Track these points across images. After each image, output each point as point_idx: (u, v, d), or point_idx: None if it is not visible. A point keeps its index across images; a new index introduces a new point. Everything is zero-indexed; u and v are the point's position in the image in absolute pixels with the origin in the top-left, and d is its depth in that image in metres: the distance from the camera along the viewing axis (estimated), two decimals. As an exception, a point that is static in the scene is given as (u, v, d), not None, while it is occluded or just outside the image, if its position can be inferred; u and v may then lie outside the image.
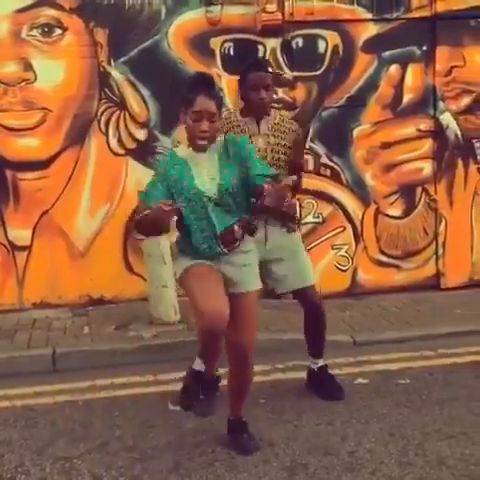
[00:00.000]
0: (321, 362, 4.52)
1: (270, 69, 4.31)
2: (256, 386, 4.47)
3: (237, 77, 6.38)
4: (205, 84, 3.46)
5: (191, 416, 4.02)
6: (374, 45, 6.67)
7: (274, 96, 6.35)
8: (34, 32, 6.21)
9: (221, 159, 3.49)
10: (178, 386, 4.64)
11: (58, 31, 6.24)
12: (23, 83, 6.20)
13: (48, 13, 6.23)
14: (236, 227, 3.49)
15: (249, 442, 3.75)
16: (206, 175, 3.45)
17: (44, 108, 6.25)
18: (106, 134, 6.38)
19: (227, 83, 6.40)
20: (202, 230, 3.47)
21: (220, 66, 6.46)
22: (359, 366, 5.06)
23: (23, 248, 6.38)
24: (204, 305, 3.34)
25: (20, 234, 6.36)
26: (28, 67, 6.20)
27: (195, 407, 3.69)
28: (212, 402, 3.71)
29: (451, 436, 3.83)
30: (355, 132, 6.71)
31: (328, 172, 6.73)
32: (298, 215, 4.49)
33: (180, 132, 5.33)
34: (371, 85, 6.70)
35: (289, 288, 4.39)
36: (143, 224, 3.34)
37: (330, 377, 4.53)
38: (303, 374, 4.75)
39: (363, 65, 6.67)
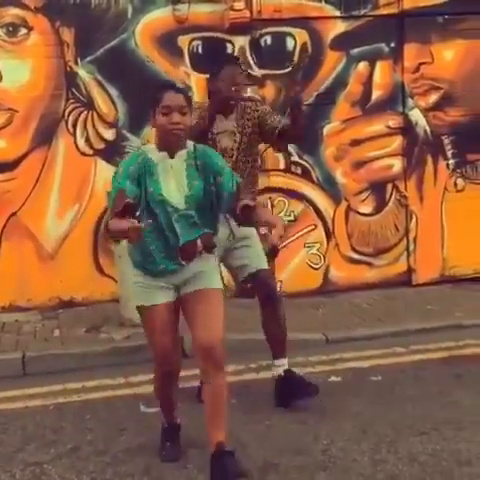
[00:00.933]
0: (286, 363, 4.29)
1: (243, 67, 4.37)
2: (228, 386, 4.47)
3: (206, 75, 6.43)
4: (171, 84, 3.46)
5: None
6: (342, 42, 6.68)
7: (244, 94, 6.49)
8: (-1, 32, 6.13)
9: (189, 169, 3.36)
10: (149, 388, 4.62)
11: (23, 30, 6.17)
12: (-12, 84, 6.12)
13: (13, 12, 6.17)
14: (199, 241, 3.37)
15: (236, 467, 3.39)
16: (174, 184, 3.33)
17: (10, 109, 6.19)
18: (74, 134, 6.33)
19: (196, 81, 6.39)
20: (161, 246, 3.34)
21: (188, 64, 6.43)
22: (332, 364, 5.07)
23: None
24: (159, 351, 3.48)
25: (-12, 236, 6.28)
26: (-6, 67, 6.12)
27: (163, 454, 3.67)
28: (178, 446, 3.73)
29: (423, 432, 3.83)
30: (325, 130, 6.72)
31: (299, 170, 6.73)
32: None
33: (150, 132, 5.29)
34: (340, 82, 6.72)
35: (250, 271, 4.23)
36: (111, 231, 3.26)
37: (300, 378, 4.31)
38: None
39: (332, 62, 6.68)
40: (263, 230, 3.98)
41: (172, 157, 3.35)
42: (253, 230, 4.21)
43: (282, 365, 4.27)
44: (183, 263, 3.37)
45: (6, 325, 6.02)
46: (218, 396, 3.41)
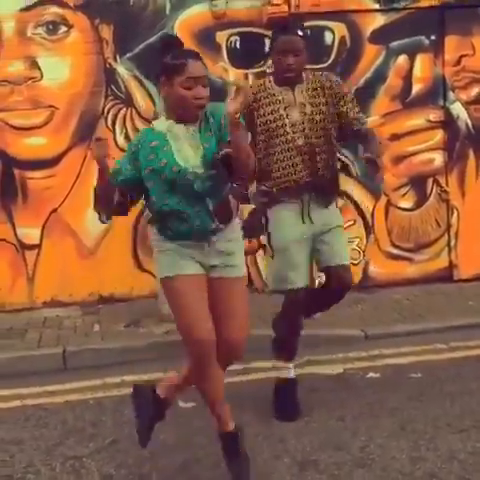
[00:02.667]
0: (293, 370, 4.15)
1: (301, 33, 3.92)
2: (266, 383, 4.47)
3: (244, 70, 6.45)
4: (186, 48, 3.17)
5: (201, 414, 4.04)
6: (382, 36, 6.61)
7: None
8: (39, 30, 6.21)
9: (202, 130, 3.14)
10: (188, 383, 4.63)
11: (63, 28, 6.24)
12: (29, 81, 6.20)
13: (53, 11, 6.23)
14: (230, 197, 3.21)
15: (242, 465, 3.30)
16: (189, 148, 3.12)
17: (51, 106, 6.26)
18: (113, 131, 6.37)
19: (234, 77, 6.37)
20: (194, 212, 3.13)
21: (226, 60, 6.43)
22: (371, 360, 5.02)
23: (32, 247, 6.39)
24: (191, 334, 3.11)
25: (29, 233, 6.37)
26: (34, 65, 6.21)
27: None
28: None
29: (462, 430, 3.78)
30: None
31: (338, 165, 6.65)
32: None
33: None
34: (379, 76, 6.65)
35: (327, 263, 4.01)
36: (96, 194, 3.21)
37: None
38: (315, 369, 4.78)
39: (371, 56, 6.62)
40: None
41: (183, 124, 3.14)
42: (340, 218, 4.14)
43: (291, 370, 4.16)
44: (221, 226, 3.17)
45: (47, 320, 6.11)
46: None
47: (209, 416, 3.77)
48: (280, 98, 3.89)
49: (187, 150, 3.12)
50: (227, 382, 4.36)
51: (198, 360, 3.17)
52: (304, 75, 3.93)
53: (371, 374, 4.73)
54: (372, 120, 6.62)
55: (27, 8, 6.19)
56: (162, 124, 3.19)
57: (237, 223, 3.31)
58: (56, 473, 3.57)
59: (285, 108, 3.88)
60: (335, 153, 4.11)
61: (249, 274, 6.54)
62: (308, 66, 6.27)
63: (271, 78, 3.98)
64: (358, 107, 4.08)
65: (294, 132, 3.88)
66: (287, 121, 3.88)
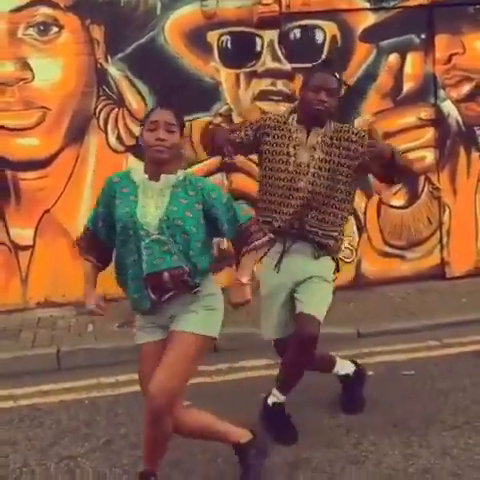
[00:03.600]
0: (283, 399, 3.88)
1: (338, 75, 3.71)
2: (258, 381, 4.50)
3: (235, 70, 6.45)
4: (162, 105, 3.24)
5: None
6: (372, 34, 6.63)
7: (273, 88, 6.49)
8: (30, 31, 6.18)
9: (173, 195, 3.08)
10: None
11: (54, 29, 6.22)
12: (21, 82, 6.18)
13: (44, 11, 6.21)
14: (166, 274, 3.02)
15: None
16: (153, 207, 3.06)
17: (43, 107, 6.24)
18: (105, 131, 6.37)
19: (225, 77, 6.41)
20: (134, 273, 3.08)
21: (218, 60, 6.43)
22: (363, 358, 5.01)
23: (26, 248, 6.38)
24: (145, 391, 3.12)
25: (22, 234, 6.35)
26: (25, 66, 6.18)
27: None
28: None
29: (455, 426, 3.81)
30: (355, 122, 6.67)
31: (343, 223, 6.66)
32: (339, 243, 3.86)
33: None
34: (370, 75, 6.67)
35: (296, 310, 3.74)
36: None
37: (285, 417, 3.89)
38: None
39: (362, 55, 6.64)
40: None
41: (156, 180, 3.10)
42: (328, 270, 3.82)
43: (279, 399, 3.89)
44: (153, 297, 3.06)
45: (41, 320, 6.11)
46: (153, 443, 3.19)
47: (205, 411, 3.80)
48: (293, 135, 3.70)
49: (150, 208, 3.06)
50: (215, 381, 4.43)
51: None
52: (327, 122, 3.71)
53: (364, 372, 4.75)
54: (363, 119, 6.68)
55: (18, 9, 6.16)
56: (138, 175, 3.14)
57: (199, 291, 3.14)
58: (51, 473, 3.59)
59: (295, 146, 3.70)
60: (340, 211, 3.74)
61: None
62: (300, 65, 6.40)
63: (295, 116, 3.77)
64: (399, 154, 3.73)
65: (297, 172, 3.68)
66: (292, 160, 3.69)
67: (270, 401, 3.89)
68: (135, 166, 3.26)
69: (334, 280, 3.86)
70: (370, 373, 4.71)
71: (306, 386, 4.41)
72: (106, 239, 3.21)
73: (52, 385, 4.82)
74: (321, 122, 3.69)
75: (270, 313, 3.80)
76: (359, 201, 6.76)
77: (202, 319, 3.10)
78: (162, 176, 3.09)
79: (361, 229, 6.80)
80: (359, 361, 4.90)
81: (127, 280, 3.13)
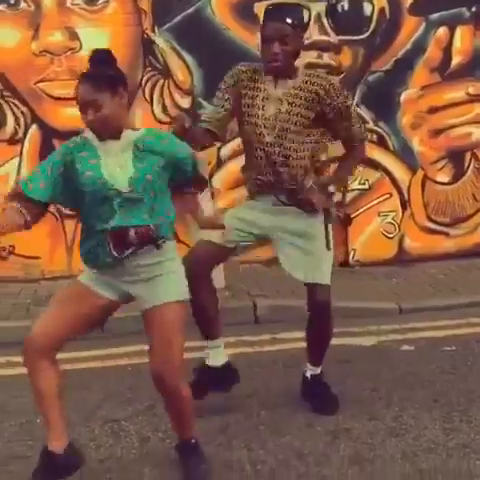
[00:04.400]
0: (318, 371, 3.89)
1: (289, 20, 3.40)
2: (301, 352, 4.52)
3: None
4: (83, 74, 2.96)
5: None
6: (421, 7, 6.54)
7: (319, 61, 6.45)
8: (79, 1, 6.21)
9: (135, 151, 2.96)
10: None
11: (102, -1, 6.26)
12: (69, 52, 6.23)
13: (93, -19, 6.25)
14: (132, 231, 2.92)
15: (198, 467, 3.21)
16: (117, 165, 2.95)
17: (90, 77, 6.28)
18: (151, 102, 6.40)
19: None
20: (95, 231, 2.98)
21: (264, 32, 6.39)
22: (405, 333, 5.05)
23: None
24: (34, 327, 3.04)
25: (68, 202, 6.44)
26: (73, 36, 6.22)
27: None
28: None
29: (496, 402, 3.81)
30: (402, 96, 6.61)
31: (374, 137, 6.65)
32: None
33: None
34: (418, 48, 6.59)
35: (298, 277, 3.72)
36: None
37: (324, 387, 3.91)
38: (348, 340, 4.81)
39: (410, 28, 6.56)
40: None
41: (117, 138, 2.96)
42: (319, 231, 3.66)
43: (314, 371, 3.90)
44: (113, 253, 2.94)
45: (85, 288, 6.21)
46: (178, 413, 3.17)
47: (246, 381, 3.86)
48: (262, 87, 3.56)
49: (115, 167, 2.95)
50: (257, 351, 4.46)
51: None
52: (299, 71, 3.53)
53: (405, 347, 4.76)
54: (410, 92, 6.61)
55: (67, -21, 6.22)
56: (94, 138, 3.00)
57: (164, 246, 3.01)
58: (95, 435, 3.67)
59: (263, 99, 3.55)
60: (308, 165, 3.60)
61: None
62: (347, 38, 6.35)
63: (262, 68, 3.58)
64: (359, 123, 3.67)
65: (265, 126, 3.55)
66: (260, 113, 3.56)
67: (308, 374, 3.92)
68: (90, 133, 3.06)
69: (329, 234, 3.70)
70: (411, 348, 4.74)
71: (346, 359, 4.48)
72: (44, 199, 2.99)
73: (98, 350, 4.91)
74: (284, 74, 3.50)
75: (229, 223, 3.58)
76: (403, 176, 6.73)
77: (174, 285, 3.03)
78: (122, 134, 2.96)
79: (404, 205, 6.76)
80: (400, 336, 4.96)
81: (85, 239, 3.04)
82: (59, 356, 4.78)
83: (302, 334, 4.63)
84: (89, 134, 3.00)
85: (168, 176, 3.03)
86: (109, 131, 2.94)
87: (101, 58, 2.98)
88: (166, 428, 3.66)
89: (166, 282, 3.01)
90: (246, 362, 4.46)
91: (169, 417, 3.25)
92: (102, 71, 2.92)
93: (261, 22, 3.55)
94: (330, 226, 3.71)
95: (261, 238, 3.78)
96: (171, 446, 3.44)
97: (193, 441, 3.23)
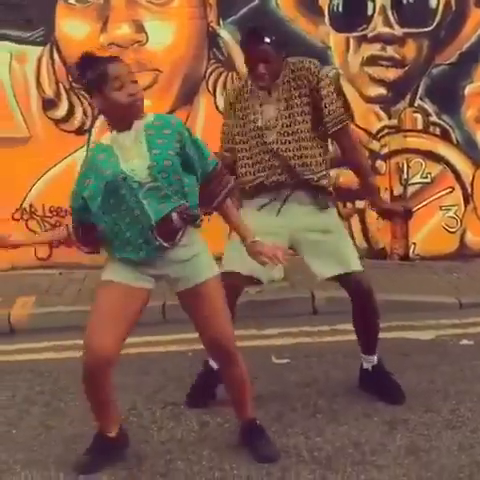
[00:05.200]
0: (375, 360, 3.92)
1: (268, 39, 3.55)
2: (356, 344, 4.57)
3: (345, 34, 6.42)
4: (104, 57, 3.01)
5: (294, 369, 4.19)
6: (489, -1, 6.45)
7: (383, 53, 6.43)
8: (146, -6, 6.36)
9: (149, 138, 2.97)
10: (281, 340, 4.79)
11: (169, -8, 6.38)
12: (135, 45, 6.38)
13: (159, -25, 6.37)
14: (175, 215, 2.96)
15: (268, 448, 3.31)
16: (135, 156, 2.95)
17: (155, 69, 6.42)
18: (214, 94, 6.49)
19: (334, 40, 6.40)
20: (137, 231, 2.98)
21: (328, 24, 6.41)
22: (464, 328, 5.02)
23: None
24: (88, 339, 3.09)
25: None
26: (140, 29, 6.37)
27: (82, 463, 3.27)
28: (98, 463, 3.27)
29: None
30: (467, 90, 6.54)
31: (437, 131, 6.60)
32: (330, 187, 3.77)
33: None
34: (485, 41, 6.50)
35: (333, 273, 3.71)
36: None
37: (387, 376, 3.94)
38: (407, 334, 4.84)
39: (476, 20, 6.48)
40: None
41: (128, 129, 2.99)
42: (335, 222, 3.77)
43: (371, 361, 3.93)
44: (165, 244, 2.99)
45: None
46: (238, 383, 3.31)
47: (304, 370, 3.92)
48: (256, 94, 3.67)
49: (132, 158, 2.96)
50: (316, 342, 4.50)
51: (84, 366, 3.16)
52: (284, 67, 3.64)
53: (464, 341, 4.74)
54: (475, 86, 6.53)
55: (135, -27, 6.35)
56: (107, 137, 3.06)
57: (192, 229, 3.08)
58: (157, 417, 3.79)
59: (260, 105, 3.66)
60: (317, 149, 3.67)
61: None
62: (412, 30, 6.30)
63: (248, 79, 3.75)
64: (337, 103, 3.66)
65: (267, 128, 3.64)
66: (260, 117, 3.65)
67: (367, 366, 3.94)
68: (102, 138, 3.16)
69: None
70: (470, 343, 4.72)
71: (405, 352, 4.49)
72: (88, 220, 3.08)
73: (158, 336, 5.04)
74: (270, 82, 3.60)
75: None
76: (466, 170, 6.66)
77: (208, 263, 3.12)
78: (133, 125, 2.99)
79: (467, 199, 6.70)
80: (459, 331, 4.94)
81: (124, 244, 3.03)
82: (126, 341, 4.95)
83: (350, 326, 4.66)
84: (102, 140, 3.09)
85: (183, 159, 3.01)
86: (140, 111, 2.98)
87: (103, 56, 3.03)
88: (225, 413, 3.76)
89: (202, 261, 3.10)
90: (305, 352, 4.53)
91: (230, 396, 3.37)
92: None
93: (242, 44, 3.67)
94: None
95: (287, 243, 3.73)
96: (230, 430, 3.54)
97: (258, 422, 3.36)
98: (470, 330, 4.96)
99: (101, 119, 6.46)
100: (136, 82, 2.98)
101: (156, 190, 2.95)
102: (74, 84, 6.35)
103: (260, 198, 3.73)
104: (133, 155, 2.96)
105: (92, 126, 6.53)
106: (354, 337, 4.45)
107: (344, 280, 3.72)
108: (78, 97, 6.45)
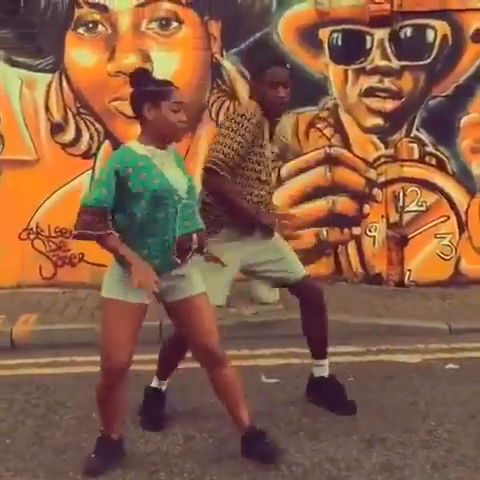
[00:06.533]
0: (326, 364, 4.11)
1: (288, 64, 3.87)
2: (345, 366, 4.72)
3: (344, 66, 6.62)
4: (172, 82, 3.36)
5: (282, 389, 4.33)
6: (484, 35, 6.65)
7: (380, 85, 6.63)
8: (153, 25, 6.61)
9: (177, 162, 3.35)
10: (273, 361, 4.94)
11: (175, 24, 6.62)
12: (141, 74, 6.60)
13: (166, 7, 6.63)
14: (195, 236, 3.30)
15: (270, 448, 3.52)
16: (176, 173, 3.27)
17: (161, 97, 6.63)
18: (217, 122, 6.69)
19: (334, 72, 6.61)
20: (160, 239, 3.22)
21: (328, 56, 6.63)
22: (452, 352, 5.15)
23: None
24: (107, 356, 3.33)
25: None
26: (146, 58, 6.62)
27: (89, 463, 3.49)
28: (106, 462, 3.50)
29: None
30: (462, 121, 6.72)
31: (433, 161, 6.78)
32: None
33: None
34: (480, 75, 6.69)
35: (297, 278, 4.00)
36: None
37: (339, 387, 4.12)
38: (394, 357, 4.98)
39: (472, 55, 6.69)
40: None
41: (164, 149, 3.28)
42: (278, 239, 4.01)
43: (324, 365, 4.13)
44: (177, 261, 3.26)
45: (148, 297, 6.51)
46: (228, 383, 3.54)
47: (291, 390, 4.05)
48: (263, 129, 3.80)
49: (172, 173, 3.25)
50: (306, 363, 4.64)
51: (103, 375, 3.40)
52: None
53: (450, 365, 4.86)
54: (470, 117, 6.71)
55: (142, 4, 6.60)
56: (141, 149, 3.25)
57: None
58: (145, 431, 3.92)
59: (264, 141, 3.82)
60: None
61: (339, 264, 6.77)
62: (409, 63, 6.49)
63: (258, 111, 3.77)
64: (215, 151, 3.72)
65: (265, 165, 3.84)
66: (263, 152, 3.82)
67: (322, 373, 4.10)
68: (130, 144, 3.33)
69: None
70: (456, 367, 4.84)
71: (391, 375, 4.62)
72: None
73: (153, 355, 5.17)
74: (281, 114, 3.93)
75: (224, 280, 3.88)
76: (461, 199, 6.82)
77: (198, 278, 3.43)
78: (168, 147, 3.32)
79: (462, 227, 6.85)
80: (446, 355, 5.06)
81: (145, 246, 3.21)
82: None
83: (353, 348, 4.79)
84: (133, 147, 3.27)
85: None
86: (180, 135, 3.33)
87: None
88: (209, 429, 3.90)
89: (195, 276, 3.42)
90: (294, 372, 4.66)
91: (224, 402, 3.56)
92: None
93: (261, 65, 3.81)
94: None
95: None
96: (214, 444, 3.69)
97: (257, 427, 3.54)
98: (457, 355, 5.08)
99: (107, 144, 6.71)
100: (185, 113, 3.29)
101: (188, 207, 3.26)
102: (81, 110, 6.60)
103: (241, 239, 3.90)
104: (173, 171, 3.25)
105: (98, 150, 6.74)
106: (340, 359, 4.62)
107: (303, 284, 4.02)
108: (85, 122, 6.69)
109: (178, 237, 3.22)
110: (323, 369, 4.12)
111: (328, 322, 4.07)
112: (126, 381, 3.46)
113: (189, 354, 3.83)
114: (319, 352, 4.12)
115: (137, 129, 6.52)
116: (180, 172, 3.30)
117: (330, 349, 5.02)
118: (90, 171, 6.75)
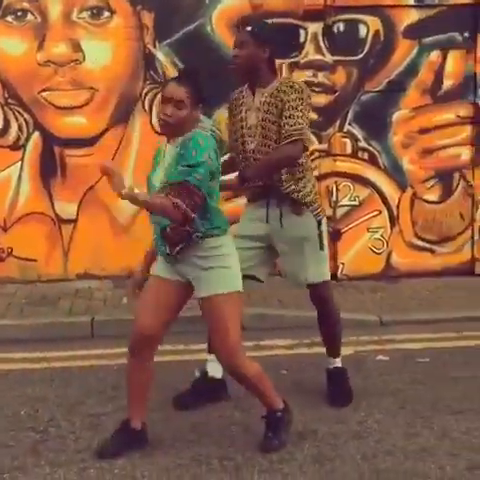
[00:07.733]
0: (337, 363, 4.26)
1: (250, 28, 3.83)
2: (279, 358, 4.73)
3: (278, 60, 6.59)
4: (182, 74, 3.49)
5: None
6: (415, 31, 6.74)
7: (314, 79, 6.66)
8: (84, 14, 6.46)
9: (176, 157, 3.30)
10: (205, 355, 4.90)
11: (106, 13, 6.49)
12: (72, 63, 6.47)
13: (97, -4, 6.49)
14: (168, 229, 3.34)
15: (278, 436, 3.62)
16: (162, 168, 3.37)
17: (91, 87, 6.52)
18: (150, 114, 6.62)
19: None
20: (158, 227, 3.42)
21: (262, 50, 6.60)
22: (382, 344, 5.23)
23: (69, 221, 6.67)
24: (134, 321, 3.54)
25: (66, 208, 6.65)
26: (77, 48, 6.47)
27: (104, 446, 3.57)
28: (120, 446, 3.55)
29: (459, 411, 3.97)
30: (394, 117, 6.81)
31: (365, 155, 6.85)
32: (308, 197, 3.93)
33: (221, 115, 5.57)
34: (411, 71, 6.79)
35: (296, 283, 4.16)
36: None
37: (343, 380, 4.25)
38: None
39: (404, 50, 6.76)
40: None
41: (171, 142, 3.37)
42: (311, 232, 3.95)
43: (334, 362, 4.27)
44: (168, 251, 3.39)
45: (79, 291, 6.42)
46: (251, 384, 3.62)
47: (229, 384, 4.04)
48: (245, 100, 3.92)
49: (162, 170, 3.37)
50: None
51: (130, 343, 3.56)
52: (275, 80, 3.86)
53: (380, 357, 4.94)
54: (401, 113, 6.80)
55: (73, -8, 6.46)
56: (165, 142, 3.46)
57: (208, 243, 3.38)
58: (76, 428, 3.85)
59: (246, 111, 3.90)
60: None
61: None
62: (342, 58, 6.54)
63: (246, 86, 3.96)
64: (294, 120, 3.74)
65: (249, 135, 3.87)
66: (244, 123, 3.89)
67: (331, 366, 4.25)
68: None
69: (321, 233, 4.00)
70: (386, 358, 4.91)
71: (321, 367, 4.64)
72: None
73: (84, 351, 5.11)
74: (257, 83, 3.86)
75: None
76: (393, 193, 6.92)
77: (216, 280, 3.38)
78: (172, 141, 3.36)
79: (393, 221, 6.94)
80: (377, 347, 5.14)
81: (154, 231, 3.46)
82: (47, 355, 5.01)
83: (284, 342, 4.79)
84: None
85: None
86: (169, 135, 3.38)
87: (188, 72, 3.49)
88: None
89: (211, 277, 3.37)
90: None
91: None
92: (194, 83, 3.41)
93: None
94: (324, 227, 4.01)
95: (267, 248, 4.05)
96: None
97: (278, 414, 3.60)
98: (387, 346, 5.16)
99: (36, 135, 6.56)
100: (180, 109, 3.27)
101: None
102: (9, 100, 6.43)
103: (251, 209, 4.03)
104: (163, 167, 3.35)
105: (27, 141, 6.57)
106: (275, 352, 4.64)
107: (310, 288, 4.13)
108: (13, 113, 6.51)
109: (162, 229, 3.34)
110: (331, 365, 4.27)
111: (336, 326, 4.22)
112: (147, 362, 3.54)
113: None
114: (328, 352, 4.28)
115: (66, 120, 6.52)
116: (166, 167, 3.32)
117: (264, 342, 5.09)
118: (19, 163, 6.57)
